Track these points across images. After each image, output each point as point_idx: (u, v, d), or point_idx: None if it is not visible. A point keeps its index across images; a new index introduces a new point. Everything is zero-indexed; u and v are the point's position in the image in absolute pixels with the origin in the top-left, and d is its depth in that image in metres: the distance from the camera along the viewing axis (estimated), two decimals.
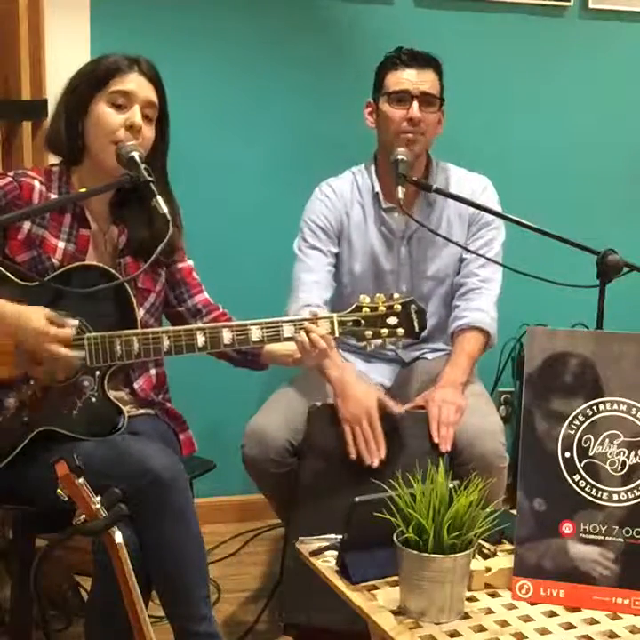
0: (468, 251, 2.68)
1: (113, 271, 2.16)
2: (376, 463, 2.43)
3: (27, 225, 2.14)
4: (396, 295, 2.25)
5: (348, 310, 2.23)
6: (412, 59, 2.64)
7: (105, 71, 2.14)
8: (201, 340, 2.15)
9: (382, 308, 2.21)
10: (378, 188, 2.75)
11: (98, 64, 2.16)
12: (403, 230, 2.76)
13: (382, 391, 2.74)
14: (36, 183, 2.16)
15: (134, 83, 2.15)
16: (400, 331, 2.22)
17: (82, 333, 2.10)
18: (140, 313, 2.23)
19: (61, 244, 2.17)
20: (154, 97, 2.18)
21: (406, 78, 2.63)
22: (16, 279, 2.09)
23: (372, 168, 2.78)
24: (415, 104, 2.61)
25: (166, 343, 2.14)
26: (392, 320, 2.21)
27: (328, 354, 2.24)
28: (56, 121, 2.20)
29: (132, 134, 2.13)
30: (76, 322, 2.06)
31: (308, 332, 2.19)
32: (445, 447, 2.45)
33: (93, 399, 2.14)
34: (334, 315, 2.23)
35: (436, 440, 2.46)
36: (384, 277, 2.76)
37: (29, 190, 2.14)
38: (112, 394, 2.18)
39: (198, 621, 2.08)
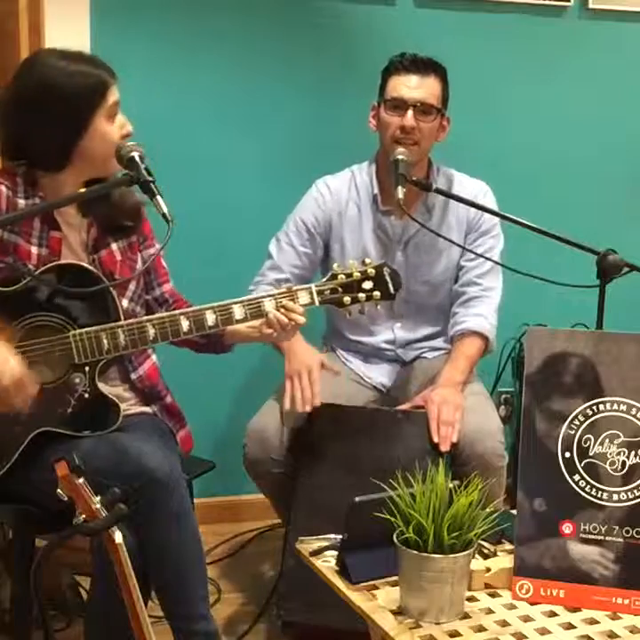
0: (472, 252, 2.68)
1: (94, 269, 2.15)
2: (308, 408, 2.49)
3: None
4: (367, 260, 2.26)
5: (324, 279, 2.24)
6: (413, 65, 2.63)
7: (99, 87, 2.11)
8: (185, 324, 2.15)
9: (357, 274, 2.23)
10: (376, 190, 2.75)
11: (87, 79, 2.10)
12: (400, 235, 2.75)
13: (382, 389, 2.75)
14: (3, 188, 2.13)
15: (116, 90, 2.15)
16: (377, 294, 2.23)
17: (66, 331, 2.10)
18: (124, 303, 2.22)
19: (34, 249, 2.15)
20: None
21: (404, 85, 2.63)
22: None
23: (373, 169, 2.77)
24: (410, 112, 2.61)
25: (152, 332, 2.14)
26: (367, 284, 2.23)
27: (300, 323, 2.23)
28: (36, 134, 2.12)
29: (125, 139, 2.15)
30: (36, 378, 2.05)
31: (287, 308, 2.19)
32: (445, 447, 2.45)
33: (86, 395, 2.14)
34: (312, 285, 2.24)
35: (435, 440, 2.47)
36: None
37: None
38: (108, 390, 2.19)
39: (197, 621, 2.09)
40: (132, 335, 2.13)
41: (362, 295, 2.22)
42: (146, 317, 2.18)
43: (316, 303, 2.23)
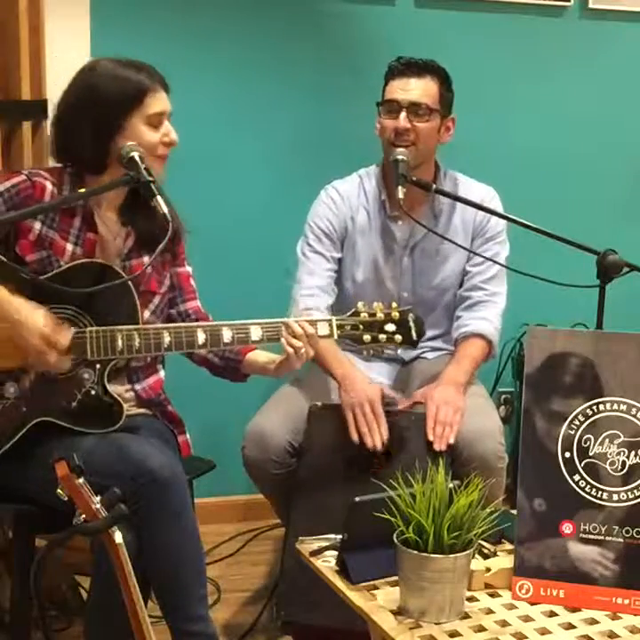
0: (478, 254, 2.68)
1: (117, 268, 2.17)
2: (379, 445, 2.44)
3: (37, 225, 2.14)
4: (394, 304, 2.27)
5: (347, 314, 2.25)
6: (407, 67, 2.64)
7: (137, 91, 2.13)
8: (201, 337, 2.16)
9: (380, 315, 2.24)
10: (384, 196, 2.75)
11: (125, 83, 2.13)
12: (406, 239, 2.76)
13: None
14: (49, 184, 2.16)
15: (163, 100, 2.18)
16: (398, 337, 2.25)
17: (83, 328, 2.11)
18: (146, 314, 2.24)
19: (70, 247, 2.17)
20: (170, 105, 2.21)
21: (397, 87, 2.63)
22: (22, 274, 2.09)
23: (380, 174, 2.78)
24: (402, 114, 2.61)
25: (167, 339, 2.15)
26: (390, 327, 2.24)
27: (311, 355, 2.23)
28: (77, 135, 2.16)
29: (167, 148, 2.19)
30: (72, 330, 2.08)
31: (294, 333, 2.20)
32: (440, 446, 2.45)
33: (93, 392, 2.15)
34: (333, 317, 2.25)
35: (430, 438, 2.46)
36: (385, 284, 2.76)
37: (42, 190, 2.14)
38: (112, 389, 2.19)
39: (195, 622, 2.09)
40: (147, 339, 2.13)
41: (382, 336, 2.24)
42: (163, 325, 2.20)
43: (335, 336, 2.24)
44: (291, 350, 2.19)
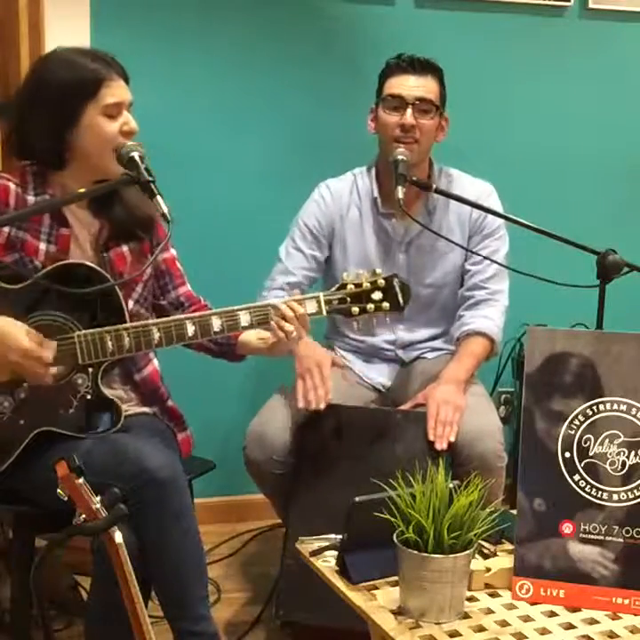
0: (475, 253, 2.68)
1: (100, 269, 2.14)
2: (322, 406, 2.47)
3: (6, 228, 2.12)
4: (378, 271, 2.25)
5: (333, 288, 2.24)
6: (410, 64, 2.64)
7: (92, 82, 2.10)
8: (191, 329, 2.15)
9: (367, 284, 2.22)
10: (376, 193, 2.75)
11: (79, 72, 2.09)
12: (401, 236, 2.75)
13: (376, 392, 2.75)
14: (11, 185, 2.14)
15: (121, 90, 2.14)
16: (385, 305, 2.22)
17: (71, 332, 2.10)
18: (130, 304, 2.22)
19: (42, 246, 2.15)
20: (130, 95, 2.18)
21: (402, 84, 2.63)
22: (2, 283, 2.08)
23: (373, 172, 2.78)
24: (409, 110, 2.61)
25: (157, 335, 2.13)
26: (377, 295, 2.22)
27: (303, 336, 2.23)
28: (34, 128, 2.12)
29: (127, 137, 2.14)
30: (53, 343, 2.06)
31: (288, 311, 2.19)
32: (440, 445, 2.45)
33: (88, 396, 2.14)
34: (320, 294, 2.23)
35: (431, 438, 2.46)
36: None
37: (5, 192, 2.13)
38: (110, 392, 2.19)
39: (197, 621, 2.08)
40: (136, 337, 2.12)
41: (370, 306, 2.21)
42: (152, 321, 2.18)
43: (324, 313, 2.22)
44: (282, 334, 2.18)
